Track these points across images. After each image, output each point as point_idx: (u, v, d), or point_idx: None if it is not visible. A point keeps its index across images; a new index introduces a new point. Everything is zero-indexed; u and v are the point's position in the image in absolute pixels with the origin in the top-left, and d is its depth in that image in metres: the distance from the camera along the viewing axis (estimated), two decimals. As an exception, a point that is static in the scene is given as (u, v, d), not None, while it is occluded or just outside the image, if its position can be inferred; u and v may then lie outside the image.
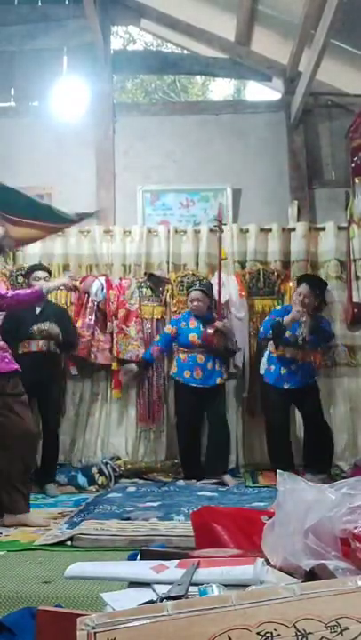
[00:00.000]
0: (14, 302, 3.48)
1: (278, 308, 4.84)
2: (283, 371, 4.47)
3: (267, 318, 4.68)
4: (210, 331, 4.47)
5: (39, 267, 4.64)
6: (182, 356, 4.61)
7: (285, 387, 4.46)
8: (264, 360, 4.65)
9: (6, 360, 3.29)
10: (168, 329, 4.73)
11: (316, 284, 4.60)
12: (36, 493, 4.18)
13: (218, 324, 4.51)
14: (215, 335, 4.47)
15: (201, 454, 4.70)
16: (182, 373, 4.58)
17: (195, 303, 4.56)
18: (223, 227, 4.89)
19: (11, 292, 3.60)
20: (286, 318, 4.42)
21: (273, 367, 4.53)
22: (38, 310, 4.42)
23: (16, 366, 3.31)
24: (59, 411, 4.73)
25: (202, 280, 4.94)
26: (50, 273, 4.64)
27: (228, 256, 5.14)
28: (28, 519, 3.19)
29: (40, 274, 4.46)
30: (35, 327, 4.33)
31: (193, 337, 4.55)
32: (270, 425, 4.62)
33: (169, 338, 4.70)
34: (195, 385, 4.53)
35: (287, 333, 4.42)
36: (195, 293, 4.60)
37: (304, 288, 4.50)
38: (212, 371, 4.54)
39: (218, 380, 4.56)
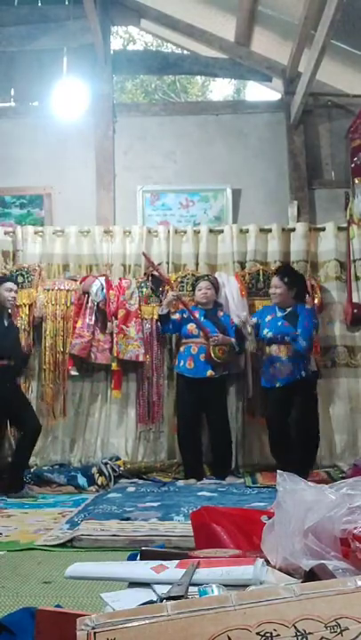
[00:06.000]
0: None
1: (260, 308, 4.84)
2: (271, 370, 4.42)
3: None
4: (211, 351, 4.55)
5: (8, 279, 4.63)
6: (182, 348, 4.74)
7: (277, 385, 4.38)
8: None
9: None
10: (176, 316, 4.80)
11: (284, 274, 4.52)
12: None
13: (211, 341, 4.55)
14: (220, 350, 4.55)
15: (202, 454, 4.72)
16: (179, 363, 4.70)
17: (202, 291, 4.70)
18: (223, 227, 4.91)
19: None
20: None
21: (264, 369, 4.53)
22: (6, 322, 4.45)
23: None
24: (32, 411, 4.58)
25: (208, 275, 4.98)
26: (17, 283, 4.71)
27: (227, 256, 5.20)
28: None
29: (8, 285, 4.44)
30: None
31: (191, 326, 4.66)
32: (270, 426, 4.56)
33: (176, 320, 4.78)
34: (188, 375, 4.62)
35: (265, 331, 4.45)
36: (203, 283, 4.76)
37: (273, 280, 4.55)
38: (205, 362, 4.56)
39: (208, 373, 4.56)
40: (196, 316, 4.67)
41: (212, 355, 4.52)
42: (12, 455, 4.56)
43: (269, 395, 4.51)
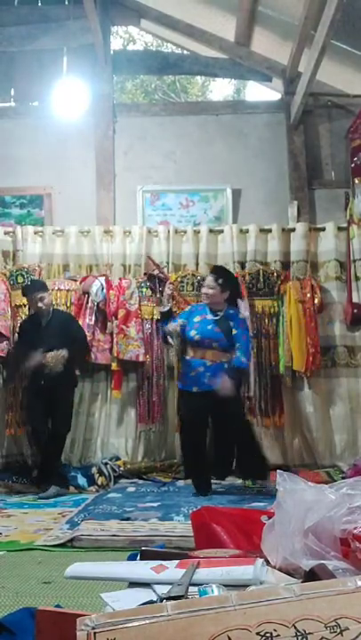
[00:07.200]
0: None
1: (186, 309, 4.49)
2: (192, 373, 4.06)
3: None
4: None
5: (30, 289, 4.55)
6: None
7: (194, 389, 4.05)
8: None
9: None
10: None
11: (219, 275, 4.19)
12: (34, 494, 4.20)
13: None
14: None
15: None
16: None
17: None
18: (223, 227, 4.85)
19: None
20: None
21: (184, 371, 4.21)
22: (44, 322, 4.45)
23: None
24: (70, 414, 4.60)
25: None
26: (45, 287, 4.58)
27: (227, 256, 5.19)
28: None
29: (37, 295, 4.42)
30: (47, 356, 4.29)
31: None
32: (183, 430, 4.30)
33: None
34: None
35: (193, 332, 4.08)
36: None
37: (207, 280, 4.21)
38: None
39: None
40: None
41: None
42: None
43: (186, 398, 4.19)
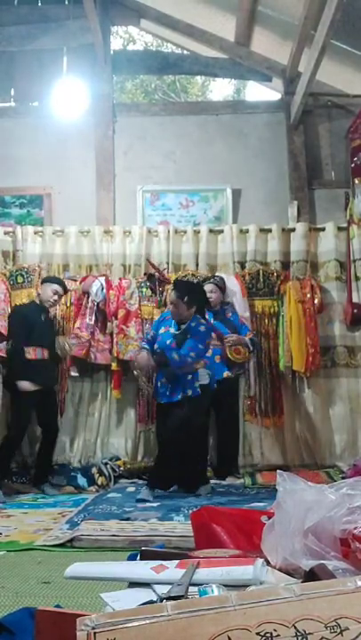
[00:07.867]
0: None
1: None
2: (158, 384, 4.09)
3: None
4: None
5: (55, 280, 4.67)
6: None
7: (162, 401, 4.04)
8: None
9: None
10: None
11: (184, 293, 4.00)
12: (34, 494, 4.21)
13: (226, 342, 4.47)
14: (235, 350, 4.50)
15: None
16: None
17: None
18: (223, 227, 4.83)
19: None
20: None
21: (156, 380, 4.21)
22: (43, 318, 4.52)
23: None
24: (58, 414, 4.74)
25: (214, 276, 4.90)
26: (65, 290, 4.65)
27: (227, 256, 5.20)
28: None
29: (55, 287, 4.53)
30: (65, 344, 4.57)
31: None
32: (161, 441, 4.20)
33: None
34: None
35: (155, 346, 4.06)
36: (208, 286, 4.35)
37: (171, 296, 4.10)
38: (220, 364, 4.54)
39: (224, 374, 4.56)
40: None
41: (229, 355, 4.48)
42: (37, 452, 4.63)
43: (157, 409, 4.30)
